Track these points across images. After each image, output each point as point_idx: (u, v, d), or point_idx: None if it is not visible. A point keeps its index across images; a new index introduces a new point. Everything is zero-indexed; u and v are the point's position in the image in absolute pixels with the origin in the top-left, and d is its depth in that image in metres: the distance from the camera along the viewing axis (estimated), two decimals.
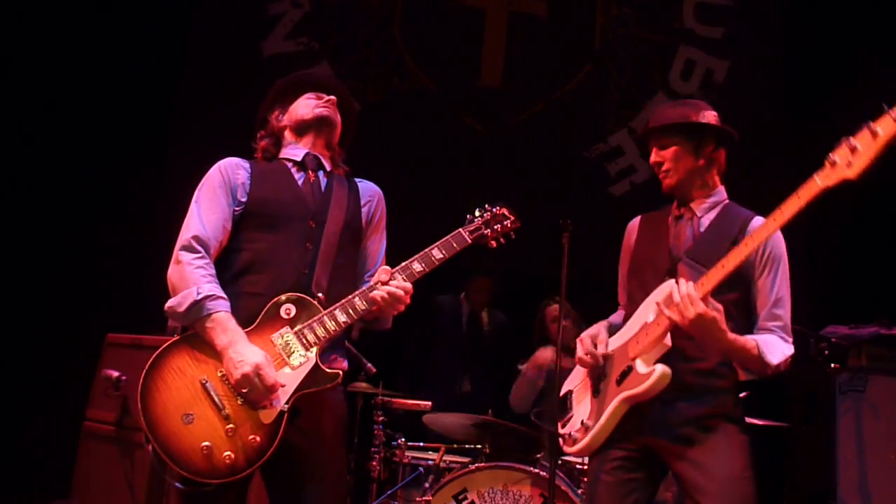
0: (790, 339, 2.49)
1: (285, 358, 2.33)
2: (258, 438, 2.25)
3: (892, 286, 4.83)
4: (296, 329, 2.35)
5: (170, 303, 2.33)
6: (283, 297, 2.37)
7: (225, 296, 2.33)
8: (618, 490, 2.49)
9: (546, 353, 4.69)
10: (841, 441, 3.99)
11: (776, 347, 2.42)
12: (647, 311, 2.51)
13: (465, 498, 3.74)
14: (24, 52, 5.33)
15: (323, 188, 2.55)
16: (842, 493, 3.93)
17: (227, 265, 2.42)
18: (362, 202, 2.62)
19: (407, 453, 4.13)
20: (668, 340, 2.41)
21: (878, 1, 5.51)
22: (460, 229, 2.55)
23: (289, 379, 2.31)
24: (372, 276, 2.56)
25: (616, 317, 2.82)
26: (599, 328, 2.73)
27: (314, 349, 2.35)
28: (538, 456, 4.08)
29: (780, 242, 2.52)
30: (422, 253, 2.47)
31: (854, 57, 5.61)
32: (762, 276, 2.48)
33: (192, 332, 2.32)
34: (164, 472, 2.25)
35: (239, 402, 2.27)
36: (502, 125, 6.17)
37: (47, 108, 5.36)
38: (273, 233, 2.43)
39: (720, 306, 2.31)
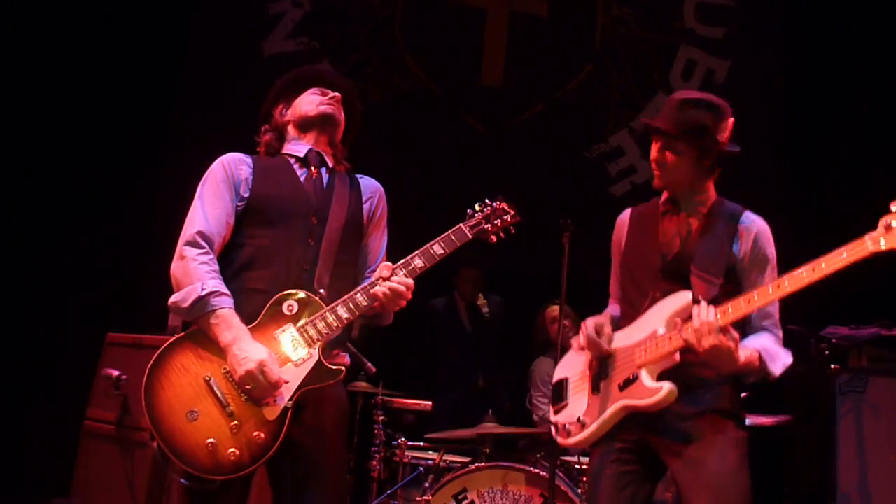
0: (781, 333, 2.51)
1: (288, 354, 2.33)
2: (262, 435, 2.25)
3: (893, 287, 4.83)
4: (299, 325, 2.35)
5: (174, 298, 2.32)
6: (286, 294, 2.37)
7: (229, 292, 2.33)
8: (616, 482, 2.49)
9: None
10: (841, 442, 3.99)
11: (777, 356, 2.44)
12: (656, 320, 2.49)
13: (465, 497, 3.74)
14: (24, 51, 5.33)
15: (325, 185, 2.55)
16: (842, 494, 3.93)
17: (230, 261, 2.42)
18: (364, 199, 2.62)
19: (407, 453, 4.13)
20: (677, 356, 2.41)
21: (879, 2, 5.51)
22: (461, 224, 2.55)
23: (292, 375, 2.31)
24: (373, 272, 2.56)
25: (613, 310, 2.80)
26: (605, 319, 2.69)
27: (317, 345, 2.35)
28: (538, 456, 4.08)
29: (770, 243, 2.53)
30: (422, 248, 2.47)
31: (855, 58, 5.61)
32: (754, 274, 2.49)
33: (196, 329, 2.33)
34: (168, 468, 2.26)
35: (243, 399, 2.27)
36: (503, 125, 6.17)
37: (48, 108, 5.36)
38: (275, 229, 2.43)
39: (737, 335, 2.31)
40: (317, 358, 2.34)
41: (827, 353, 4.19)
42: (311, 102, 2.61)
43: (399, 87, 6.21)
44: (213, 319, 2.28)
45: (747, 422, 2.74)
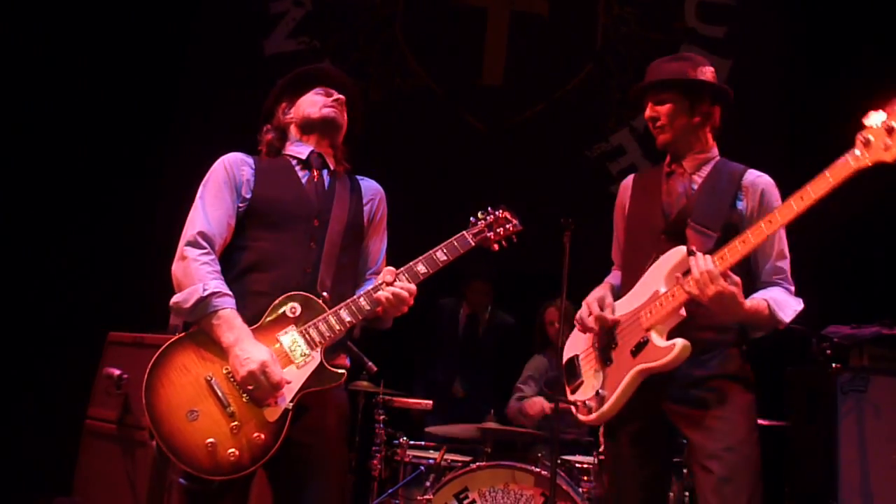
0: (793, 288, 2.49)
1: (290, 356, 2.33)
2: (262, 436, 2.25)
3: (894, 286, 4.83)
4: (301, 328, 2.35)
5: (175, 298, 2.32)
6: (289, 297, 2.37)
7: (230, 293, 2.33)
8: (637, 460, 2.51)
9: (536, 406, 4.52)
10: (842, 441, 3.98)
11: (787, 304, 2.43)
12: (655, 280, 2.48)
13: (467, 497, 3.75)
14: (25, 51, 5.33)
15: (326, 187, 2.54)
16: (843, 494, 3.92)
17: (232, 263, 2.42)
18: (364, 201, 2.61)
19: (408, 452, 4.13)
20: (683, 311, 2.40)
21: (880, 0, 5.51)
22: (464, 232, 2.55)
23: (294, 377, 2.31)
24: (373, 274, 2.57)
25: (613, 278, 2.79)
26: (604, 291, 2.69)
27: (319, 348, 2.35)
28: (539, 455, 4.08)
29: (777, 197, 2.51)
30: (426, 255, 2.47)
31: (855, 56, 5.60)
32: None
33: (197, 329, 2.32)
34: (167, 468, 2.25)
35: (244, 400, 2.27)
36: (504, 124, 6.17)
37: (48, 108, 5.36)
38: (277, 232, 2.43)
39: (738, 279, 2.30)
40: (319, 360, 2.34)
41: (828, 352, 4.18)
42: (314, 104, 2.59)
43: (400, 86, 6.22)
44: (216, 320, 2.28)
45: None
